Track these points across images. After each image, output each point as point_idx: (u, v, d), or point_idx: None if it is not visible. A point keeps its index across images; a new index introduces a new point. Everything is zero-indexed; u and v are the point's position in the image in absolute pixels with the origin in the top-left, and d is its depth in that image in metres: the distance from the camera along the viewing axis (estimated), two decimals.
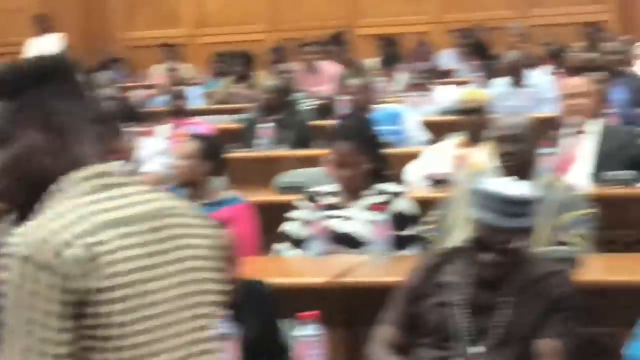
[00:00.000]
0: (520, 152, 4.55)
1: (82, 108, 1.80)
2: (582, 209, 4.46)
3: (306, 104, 8.82)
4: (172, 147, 6.00)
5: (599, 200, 4.85)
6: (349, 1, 13.75)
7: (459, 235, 4.56)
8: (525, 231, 3.43)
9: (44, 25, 13.91)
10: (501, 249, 3.33)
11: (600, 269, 4.20)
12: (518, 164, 4.54)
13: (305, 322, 2.81)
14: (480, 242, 3.38)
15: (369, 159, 4.59)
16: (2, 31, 14.47)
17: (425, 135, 7.39)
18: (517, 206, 3.38)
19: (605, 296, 3.80)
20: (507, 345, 3.25)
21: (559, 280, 3.37)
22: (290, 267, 4.62)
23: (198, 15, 14.54)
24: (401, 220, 4.56)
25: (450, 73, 11.15)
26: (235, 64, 10.64)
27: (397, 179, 5.10)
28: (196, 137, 5.19)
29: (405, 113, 7.60)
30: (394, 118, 7.46)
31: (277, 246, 4.74)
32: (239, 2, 14.20)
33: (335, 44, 11.42)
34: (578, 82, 5.94)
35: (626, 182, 5.17)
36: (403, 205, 4.64)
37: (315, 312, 2.86)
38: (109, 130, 6.15)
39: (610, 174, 5.24)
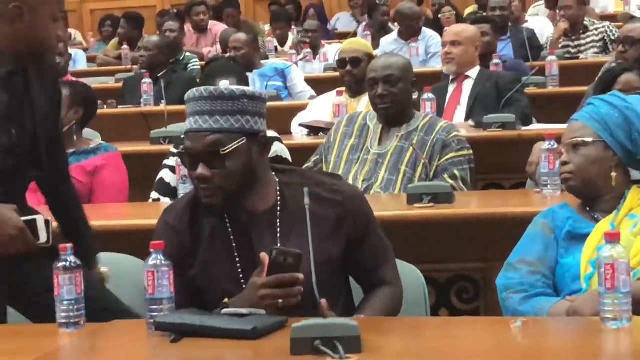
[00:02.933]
0: (394, 93, 4.53)
1: None
2: (461, 152, 4.47)
3: (195, 64, 8.73)
4: None
5: (478, 142, 4.90)
6: None
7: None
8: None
9: None
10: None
11: (474, 202, 4.21)
12: (393, 105, 4.54)
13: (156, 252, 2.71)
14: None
15: None
16: None
17: (310, 90, 7.40)
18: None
19: (480, 229, 3.81)
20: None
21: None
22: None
23: None
24: (278, 162, 4.53)
25: (346, 35, 11.22)
26: (125, 27, 10.47)
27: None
28: (65, 84, 5.06)
29: (292, 69, 7.57)
30: (282, 73, 7.48)
31: (153, 195, 4.68)
32: None
33: (228, 6, 11.33)
34: (455, 31, 5.98)
35: (504, 125, 5.19)
36: (281, 148, 4.66)
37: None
38: None
39: (491, 116, 5.27)
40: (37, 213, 3.20)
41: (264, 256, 2.72)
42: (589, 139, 3.11)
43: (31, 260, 3.15)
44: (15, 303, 3.29)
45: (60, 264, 2.81)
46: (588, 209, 3.15)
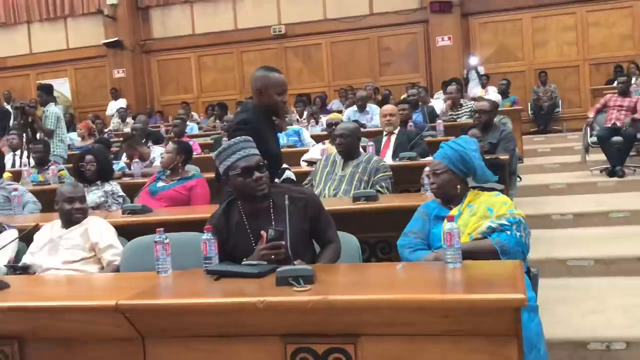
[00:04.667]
0: (346, 142, 4.50)
1: None
2: (385, 173, 4.43)
3: None
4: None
5: (397, 168, 4.83)
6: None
7: (319, 188, 4.53)
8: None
9: (116, 95, 13.80)
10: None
11: (388, 200, 4.09)
12: (346, 149, 4.49)
13: (207, 232, 2.67)
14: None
15: None
16: (93, 98, 14.38)
17: (312, 141, 7.32)
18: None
19: (392, 215, 3.70)
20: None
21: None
22: None
23: (200, 86, 14.32)
24: (289, 182, 4.46)
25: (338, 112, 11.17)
26: (218, 111, 10.43)
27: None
28: (173, 141, 5.08)
29: (302, 131, 7.53)
30: (297, 133, 7.43)
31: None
32: (221, 78, 14.08)
33: None
34: (389, 108, 5.94)
35: (410, 158, 5.14)
36: (289, 174, 4.55)
37: None
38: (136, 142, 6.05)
39: (403, 154, 5.22)
40: None
41: (263, 233, 2.71)
42: (441, 169, 3.08)
43: None
44: None
45: (158, 239, 2.80)
46: (447, 203, 3.13)
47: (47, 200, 4.83)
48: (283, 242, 2.67)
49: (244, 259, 2.74)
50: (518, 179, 6.97)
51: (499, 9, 12.31)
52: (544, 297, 3.69)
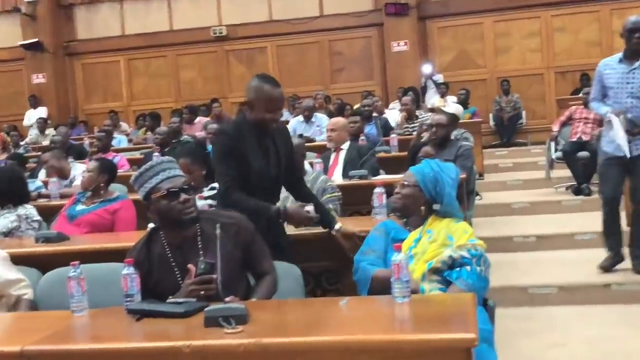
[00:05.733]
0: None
1: None
2: (333, 194, 4.44)
3: (188, 142, 8.59)
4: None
5: (347, 188, 4.85)
6: (223, 82, 13.63)
7: None
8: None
9: (35, 103, 13.54)
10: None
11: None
12: None
13: (128, 265, 2.63)
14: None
15: (202, 168, 4.43)
16: (9, 107, 14.08)
17: None
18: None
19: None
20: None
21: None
22: None
23: (130, 93, 14.15)
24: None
25: (285, 122, 11.20)
26: (149, 121, 10.30)
27: None
28: (96, 159, 4.99)
29: None
30: None
31: (151, 224, 4.47)
32: (154, 84, 13.95)
33: (215, 106, 11.20)
34: (333, 122, 5.96)
35: (361, 177, 5.16)
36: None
37: None
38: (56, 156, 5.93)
39: (353, 172, 5.24)
40: None
41: (191, 266, 2.67)
42: (411, 183, 3.13)
43: None
44: None
45: (72, 274, 2.73)
46: (405, 224, 3.17)
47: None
48: (214, 276, 2.63)
49: (170, 297, 2.68)
50: (477, 197, 7.09)
51: (459, 12, 12.56)
52: (503, 329, 3.76)
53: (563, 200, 7.28)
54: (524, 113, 12.23)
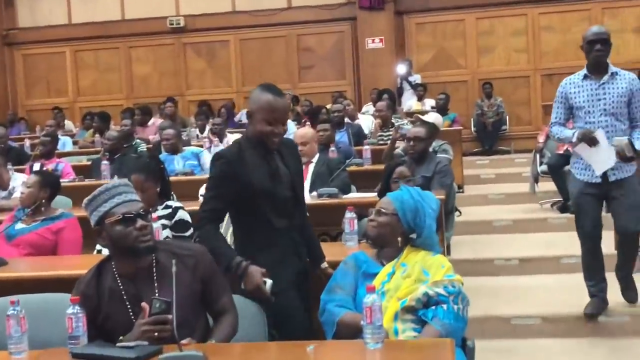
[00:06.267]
0: None
1: None
2: None
3: (142, 147, 8.56)
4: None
5: (315, 208, 4.85)
6: (180, 78, 13.57)
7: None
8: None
9: None
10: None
11: None
12: None
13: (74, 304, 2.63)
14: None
15: (157, 184, 4.41)
16: None
17: None
18: None
19: None
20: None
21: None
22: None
23: (76, 88, 14.01)
24: (182, 225, 4.41)
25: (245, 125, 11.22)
26: (98, 122, 10.17)
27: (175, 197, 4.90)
28: (36, 172, 4.93)
29: (203, 153, 7.45)
30: (196, 156, 7.36)
31: (97, 246, 4.46)
32: (104, 79, 13.85)
33: (167, 106, 11.14)
34: (302, 133, 5.95)
35: (330, 195, 5.17)
36: (182, 214, 4.49)
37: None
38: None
39: (322, 190, 5.24)
40: None
41: (145, 305, 2.66)
42: (389, 211, 3.16)
43: None
44: None
45: (11, 313, 2.71)
46: (378, 256, 3.18)
47: None
48: (170, 317, 2.62)
49: (120, 338, 2.67)
50: (457, 213, 7.16)
51: (439, 7, 12.68)
52: None
53: (549, 217, 7.39)
54: (507, 118, 12.37)
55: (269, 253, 3.19)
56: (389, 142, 7.67)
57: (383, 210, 3.18)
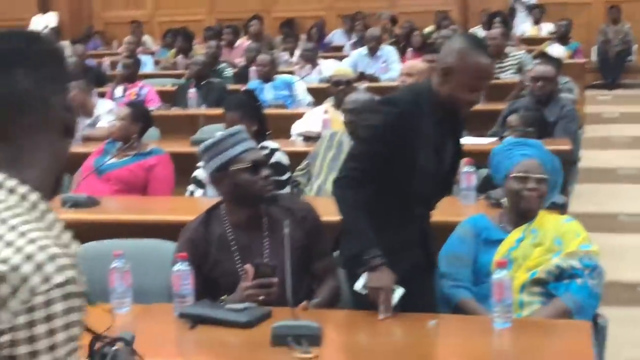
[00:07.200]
0: (359, 120, 4.47)
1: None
2: None
3: (228, 72, 8.62)
4: (117, 109, 5.78)
5: None
6: None
7: (319, 180, 4.55)
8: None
9: (44, 6, 13.65)
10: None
11: None
12: (354, 130, 4.42)
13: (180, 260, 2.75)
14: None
15: (254, 123, 4.47)
16: (12, 9, 14.16)
17: (310, 99, 7.22)
18: None
19: None
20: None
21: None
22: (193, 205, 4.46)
23: (155, 1, 14.14)
24: (279, 169, 4.48)
25: (339, 48, 11.15)
26: (180, 41, 10.26)
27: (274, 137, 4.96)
28: (128, 104, 5.06)
29: (296, 82, 7.45)
30: (288, 85, 7.37)
31: (189, 187, 4.60)
32: None
33: (252, 25, 11.12)
34: (409, 65, 5.89)
35: None
36: (280, 157, 4.56)
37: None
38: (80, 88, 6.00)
39: None
40: None
41: (249, 267, 2.76)
42: (544, 176, 3.09)
43: None
44: None
45: (115, 266, 2.84)
46: (501, 220, 3.15)
47: None
48: (275, 280, 2.71)
49: (222, 299, 2.78)
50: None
51: None
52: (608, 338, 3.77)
53: None
54: (634, 47, 11.91)
55: (391, 237, 2.77)
56: (502, 75, 7.52)
57: (537, 175, 3.08)
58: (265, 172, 2.93)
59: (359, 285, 2.70)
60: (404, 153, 2.76)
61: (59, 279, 1.10)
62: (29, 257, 1.09)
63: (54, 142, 1.26)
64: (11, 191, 1.18)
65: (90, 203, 4.12)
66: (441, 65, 2.81)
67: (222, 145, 2.94)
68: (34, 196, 1.19)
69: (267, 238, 2.92)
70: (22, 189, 1.19)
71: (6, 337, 1.08)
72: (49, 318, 1.09)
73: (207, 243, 2.94)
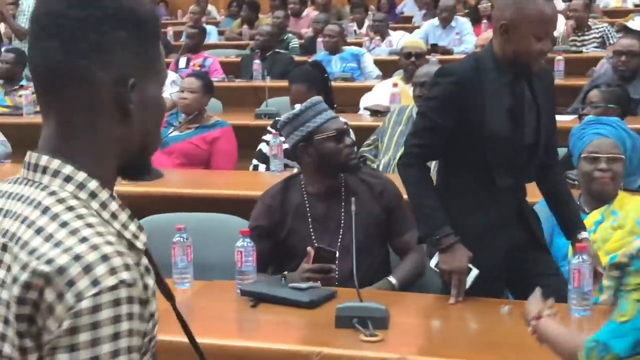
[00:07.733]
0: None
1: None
2: None
3: (294, 43, 8.60)
4: (182, 80, 5.78)
5: None
6: None
7: (387, 156, 4.50)
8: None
9: None
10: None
11: None
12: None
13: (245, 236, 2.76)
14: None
15: (320, 96, 4.44)
16: None
17: (377, 71, 7.17)
18: None
19: None
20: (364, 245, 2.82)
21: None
22: (257, 180, 4.46)
23: None
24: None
25: (410, 19, 11.04)
26: (246, 11, 10.26)
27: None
28: (197, 75, 5.07)
29: (364, 55, 7.39)
30: (356, 58, 7.32)
31: (254, 161, 4.61)
32: None
33: None
34: (484, 37, 5.78)
35: None
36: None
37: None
38: None
39: None
40: None
41: (310, 250, 2.84)
42: (619, 155, 3.04)
43: None
44: None
45: (177, 240, 2.85)
46: (577, 203, 3.09)
47: (20, 138, 4.90)
48: (333, 266, 2.80)
49: (283, 274, 2.82)
50: None
51: None
52: None
53: None
54: None
55: (480, 217, 2.70)
56: (583, 50, 7.34)
57: (615, 155, 3.00)
58: (348, 140, 3.03)
59: (432, 263, 2.67)
60: (469, 121, 2.67)
61: (110, 282, 1.00)
62: (77, 258, 1.01)
63: (112, 125, 1.12)
64: (67, 179, 1.09)
65: (154, 175, 4.13)
66: (499, 23, 2.67)
67: (303, 117, 3.04)
68: (93, 184, 1.10)
69: (343, 210, 3.01)
70: (81, 176, 1.09)
71: (49, 345, 1.00)
72: (94, 326, 0.99)
73: (284, 210, 3.06)
